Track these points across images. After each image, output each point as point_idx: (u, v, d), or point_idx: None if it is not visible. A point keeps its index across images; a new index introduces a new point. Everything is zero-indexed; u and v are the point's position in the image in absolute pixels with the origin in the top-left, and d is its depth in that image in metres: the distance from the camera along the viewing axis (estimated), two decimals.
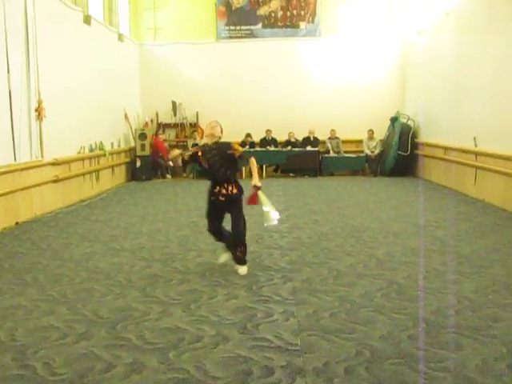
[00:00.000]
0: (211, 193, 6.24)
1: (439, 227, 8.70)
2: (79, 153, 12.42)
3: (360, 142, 17.35)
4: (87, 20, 13.13)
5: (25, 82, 9.98)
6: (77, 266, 6.66)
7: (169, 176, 16.98)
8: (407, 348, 4.06)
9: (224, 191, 6.18)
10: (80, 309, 5.08)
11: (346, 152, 17.35)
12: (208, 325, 4.60)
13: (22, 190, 9.61)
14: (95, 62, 13.65)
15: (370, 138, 17.12)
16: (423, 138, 15.65)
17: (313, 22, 17.79)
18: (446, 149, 13.63)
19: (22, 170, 9.66)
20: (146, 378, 3.67)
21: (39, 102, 10.42)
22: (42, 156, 10.55)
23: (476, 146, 11.60)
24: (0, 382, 3.64)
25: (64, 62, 11.72)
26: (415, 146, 16.06)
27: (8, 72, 9.34)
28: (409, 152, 15.98)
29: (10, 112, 9.43)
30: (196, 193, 13.32)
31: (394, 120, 16.61)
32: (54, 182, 10.96)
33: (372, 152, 16.96)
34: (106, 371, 3.77)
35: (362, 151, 17.14)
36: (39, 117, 10.45)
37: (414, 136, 16.14)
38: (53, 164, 10.96)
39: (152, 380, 3.63)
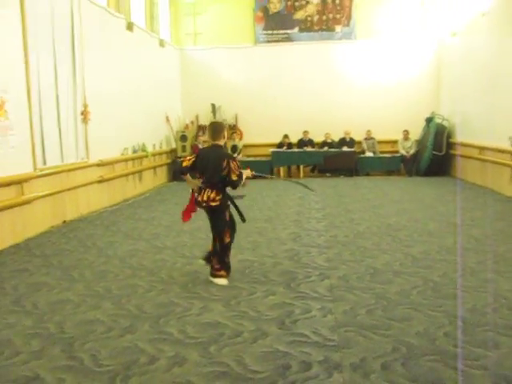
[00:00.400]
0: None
1: (475, 226, 8.65)
2: (123, 154, 12.72)
3: (395, 142, 17.28)
4: (130, 27, 13.45)
5: (71, 86, 10.29)
6: (121, 262, 6.88)
7: None
8: (443, 345, 4.09)
9: None
10: (124, 304, 5.25)
11: (381, 152, 17.30)
12: (247, 320, 4.72)
13: (68, 190, 9.91)
14: (138, 67, 13.97)
15: (405, 138, 17.03)
16: (458, 138, 15.46)
17: (348, 25, 17.79)
18: (481, 148, 13.50)
19: (69, 170, 9.98)
20: (188, 371, 3.78)
21: (85, 106, 10.73)
22: (88, 157, 10.87)
23: None
24: (50, 372, 3.82)
25: (108, 68, 12.05)
26: (450, 145, 15.92)
27: (55, 78, 9.67)
28: (444, 152, 15.84)
29: (57, 116, 9.75)
30: (234, 192, 13.45)
31: (429, 120, 16.50)
32: (99, 182, 11.27)
33: (407, 152, 16.87)
34: (150, 364, 3.90)
35: (398, 151, 17.07)
36: (85, 120, 10.77)
37: (449, 136, 15.99)
38: (98, 165, 11.27)
39: (193, 373, 3.74)
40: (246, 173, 6.01)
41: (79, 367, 3.89)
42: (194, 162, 5.84)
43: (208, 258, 6.03)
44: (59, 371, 3.84)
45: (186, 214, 6.21)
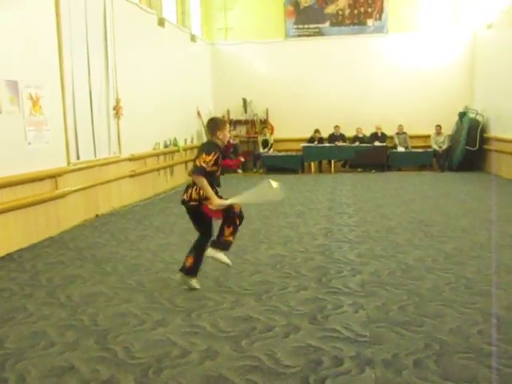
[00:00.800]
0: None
1: (510, 222, 8.49)
2: (154, 149, 12.84)
3: (427, 137, 17.07)
4: (161, 22, 13.54)
5: (104, 82, 10.42)
6: (153, 256, 6.95)
7: (240, 171, 17.27)
8: (477, 343, 4.03)
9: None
10: (157, 297, 5.30)
11: (413, 147, 17.11)
12: (279, 315, 4.72)
13: (101, 184, 10.04)
14: (169, 62, 14.06)
15: (438, 133, 16.81)
16: (492, 132, 15.21)
17: (380, 18, 17.62)
18: None
19: (102, 165, 10.10)
20: (220, 364, 3.80)
21: (117, 101, 10.85)
22: (120, 152, 10.99)
23: None
24: (85, 363, 3.88)
25: (140, 63, 12.15)
26: (484, 140, 15.66)
27: (89, 73, 9.80)
28: (477, 147, 15.59)
29: (90, 111, 9.89)
30: None
31: (462, 115, 16.25)
32: (131, 176, 11.39)
33: (440, 147, 16.65)
34: (182, 357, 3.93)
35: (430, 146, 16.86)
36: (117, 115, 10.89)
37: (483, 131, 15.72)
38: (130, 159, 11.39)
39: (225, 367, 3.75)
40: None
41: (113, 359, 3.95)
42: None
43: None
44: (93, 362, 3.90)
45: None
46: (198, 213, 5.33)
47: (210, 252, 5.41)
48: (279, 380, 3.56)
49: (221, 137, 5.37)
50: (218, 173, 5.50)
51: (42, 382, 3.63)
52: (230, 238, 5.41)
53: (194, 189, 5.24)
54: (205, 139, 16.83)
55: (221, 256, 5.42)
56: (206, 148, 5.32)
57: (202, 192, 5.17)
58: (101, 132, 10.24)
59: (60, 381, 3.64)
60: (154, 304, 5.12)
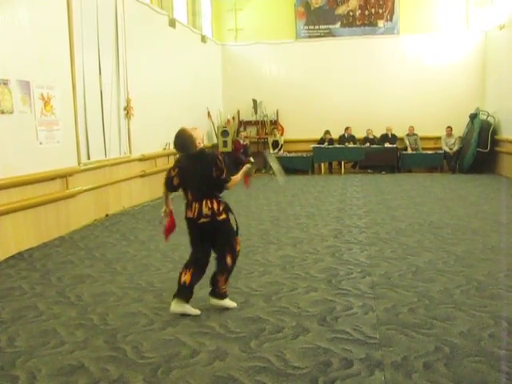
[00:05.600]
0: None
1: None
2: (164, 149, 12.84)
3: (438, 138, 16.97)
4: (172, 23, 13.56)
5: (114, 82, 10.45)
6: (163, 256, 6.96)
7: None
8: (488, 346, 4.00)
9: None
10: (166, 297, 5.28)
11: (423, 149, 17.03)
12: (288, 316, 4.72)
13: (111, 184, 10.07)
14: (180, 63, 14.09)
15: (449, 134, 16.72)
16: (504, 134, 15.11)
17: (391, 20, 17.55)
18: None
19: (112, 165, 10.13)
20: (229, 365, 3.80)
21: (128, 102, 10.88)
22: (130, 152, 11.03)
23: None
24: (94, 362, 3.90)
25: (151, 63, 12.17)
26: (495, 142, 15.55)
27: (99, 74, 9.84)
28: (488, 149, 15.48)
29: (101, 111, 9.93)
30: (276, 188, 13.49)
31: (473, 117, 16.15)
32: (141, 176, 11.42)
33: (450, 149, 16.56)
34: (191, 357, 3.94)
35: (440, 148, 16.78)
36: (128, 115, 10.92)
37: (494, 133, 15.60)
38: (140, 160, 11.42)
39: (234, 367, 3.76)
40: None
41: (122, 358, 3.96)
42: (176, 173, 4.93)
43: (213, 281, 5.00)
44: (103, 361, 3.92)
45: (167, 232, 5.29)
46: (207, 229, 4.82)
47: (213, 301, 4.96)
48: (288, 381, 3.56)
49: (201, 144, 4.88)
50: None
51: (52, 381, 3.65)
52: (224, 288, 4.95)
53: (204, 204, 4.75)
54: (215, 140, 16.89)
55: (224, 303, 4.97)
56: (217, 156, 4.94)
57: (215, 206, 4.76)
58: (111, 132, 10.27)
59: (70, 379, 3.66)
60: (164, 304, 5.12)
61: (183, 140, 4.79)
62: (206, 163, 4.80)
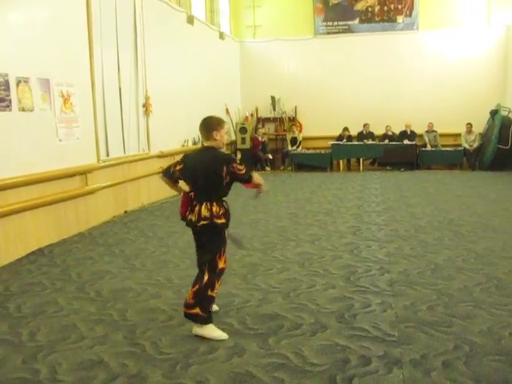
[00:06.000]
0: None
1: None
2: (183, 146, 12.89)
3: (458, 135, 16.77)
4: (190, 20, 13.59)
5: (133, 79, 10.51)
6: (181, 253, 6.98)
7: (268, 168, 17.28)
8: (509, 345, 3.97)
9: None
10: (184, 293, 5.24)
11: (443, 145, 16.87)
12: (307, 313, 4.71)
13: (130, 181, 10.13)
14: (198, 60, 14.11)
15: (469, 131, 16.52)
16: None
17: (410, 15, 17.40)
18: None
19: (131, 162, 10.20)
20: (247, 361, 3.81)
21: (146, 99, 10.93)
22: (149, 149, 11.08)
23: None
24: (114, 357, 3.94)
25: (169, 60, 12.22)
26: None
27: (118, 71, 9.90)
28: (509, 145, 15.29)
29: (120, 108, 9.99)
30: (295, 184, 13.51)
31: (494, 113, 15.97)
32: (160, 173, 11.43)
33: (470, 146, 16.39)
34: (209, 353, 3.95)
35: (460, 145, 16.61)
36: (146, 112, 10.97)
37: None
38: (159, 156, 11.47)
39: (252, 364, 3.77)
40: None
41: (141, 354, 3.99)
42: (181, 170, 4.55)
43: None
44: (122, 356, 3.95)
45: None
46: (206, 232, 4.38)
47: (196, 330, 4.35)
48: (306, 378, 3.55)
49: (218, 138, 4.44)
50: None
51: (72, 375, 3.69)
52: (193, 307, 4.31)
53: (203, 206, 4.33)
54: (233, 136, 16.91)
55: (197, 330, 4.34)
56: (230, 159, 4.43)
57: (214, 209, 4.33)
58: (130, 129, 10.34)
59: (89, 374, 3.70)
60: (182, 300, 5.06)
61: (210, 120, 4.48)
62: (216, 161, 4.36)
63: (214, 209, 4.34)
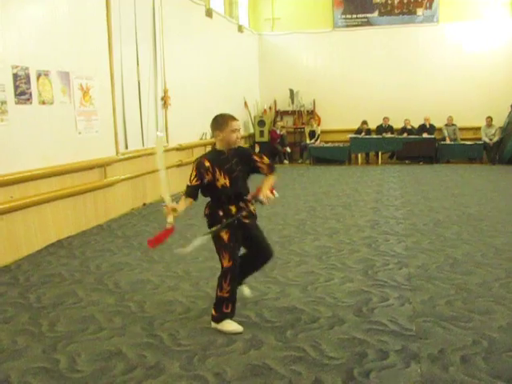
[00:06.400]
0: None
1: None
2: (201, 139, 12.91)
3: (478, 129, 16.60)
4: (209, 13, 13.59)
5: (152, 72, 10.52)
6: (200, 245, 6.99)
7: (286, 161, 17.26)
8: None
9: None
10: (202, 286, 5.36)
11: (462, 139, 16.70)
12: (324, 306, 4.71)
13: (149, 173, 10.14)
14: (217, 53, 14.12)
15: (489, 125, 16.33)
16: None
17: (430, 7, 17.22)
18: None
19: (149, 154, 10.22)
20: (264, 354, 3.82)
21: (165, 92, 10.96)
22: (168, 142, 11.11)
23: None
24: (132, 348, 3.97)
25: (188, 54, 12.23)
26: None
27: (137, 64, 9.92)
28: None
29: (138, 101, 10.02)
30: (313, 178, 13.48)
31: None
32: (178, 166, 11.49)
33: (490, 140, 16.19)
34: (227, 345, 3.97)
35: (480, 138, 16.41)
36: (165, 105, 11.00)
37: None
38: (177, 149, 11.51)
39: (270, 356, 3.77)
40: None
41: (159, 345, 4.02)
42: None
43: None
44: (140, 348, 3.98)
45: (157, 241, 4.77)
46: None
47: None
48: (323, 371, 3.55)
49: (219, 138, 4.27)
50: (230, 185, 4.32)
51: (91, 365, 3.73)
52: (215, 308, 4.32)
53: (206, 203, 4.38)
54: (252, 130, 16.91)
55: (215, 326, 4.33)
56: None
57: (207, 210, 4.43)
58: (149, 122, 10.37)
59: (108, 364, 3.73)
60: (200, 292, 5.18)
61: (215, 118, 4.34)
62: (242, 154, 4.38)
63: (207, 210, 4.41)
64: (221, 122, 4.28)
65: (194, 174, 4.27)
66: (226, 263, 4.25)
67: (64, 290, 5.37)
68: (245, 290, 4.75)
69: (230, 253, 4.25)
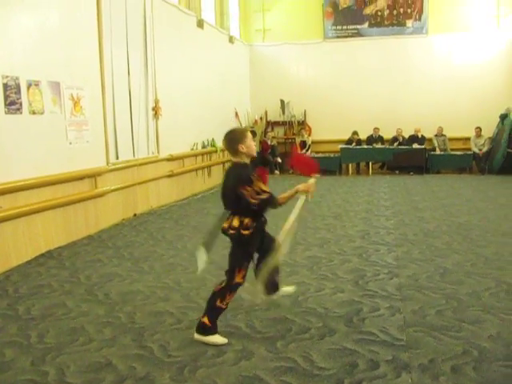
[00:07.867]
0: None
1: None
2: (192, 149, 12.92)
3: (467, 139, 16.75)
4: (200, 24, 13.63)
5: (143, 83, 10.53)
6: (190, 256, 6.94)
7: (277, 172, 17.28)
8: None
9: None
10: (193, 297, 5.33)
11: (452, 150, 16.84)
12: (315, 316, 4.70)
13: (139, 183, 10.14)
14: (208, 64, 14.14)
15: (478, 135, 16.48)
16: None
17: (420, 19, 17.38)
18: None
19: (140, 165, 10.21)
20: (255, 364, 3.81)
21: (156, 102, 10.95)
22: (158, 152, 11.10)
23: None
24: (122, 359, 3.94)
25: (179, 64, 12.25)
26: None
27: (128, 74, 9.92)
28: None
29: (129, 111, 10.01)
30: None
31: (503, 117, 15.85)
32: (169, 176, 11.49)
33: (480, 150, 16.32)
34: (217, 356, 3.95)
35: (469, 149, 16.54)
36: (156, 115, 10.99)
37: None
38: (168, 160, 11.49)
39: (260, 367, 3.76)
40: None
41: (149, 357, 3.99)
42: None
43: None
44: (130, 359, 3.95)
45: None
46: (235, 242, 4.37)
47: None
48: (314, 382, 3.55)
49: (244, 151, 4.27)
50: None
51: (80, 377, 3.70)
52: (204, 316, 4.29)
53: (236, 216, 4.29)
54: None
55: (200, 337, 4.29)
56: (244, 182, 4.18)
57: (246, 220, 4.28)
58: (140, 132, 10.36)
59: (97, 376, 3.70)
60: (191, 303, 5.15)
61: (231, 134, 4.34)
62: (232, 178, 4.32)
63: (245, 220, 4.27)
64: (240, 135, 4.28)
65: (258, 184, 4.29)
66: (239, 279, 4.28)
67: (53, 301, 5.33)
68: (288, 289, 5.10)
69: (245, 271, 4.32)
